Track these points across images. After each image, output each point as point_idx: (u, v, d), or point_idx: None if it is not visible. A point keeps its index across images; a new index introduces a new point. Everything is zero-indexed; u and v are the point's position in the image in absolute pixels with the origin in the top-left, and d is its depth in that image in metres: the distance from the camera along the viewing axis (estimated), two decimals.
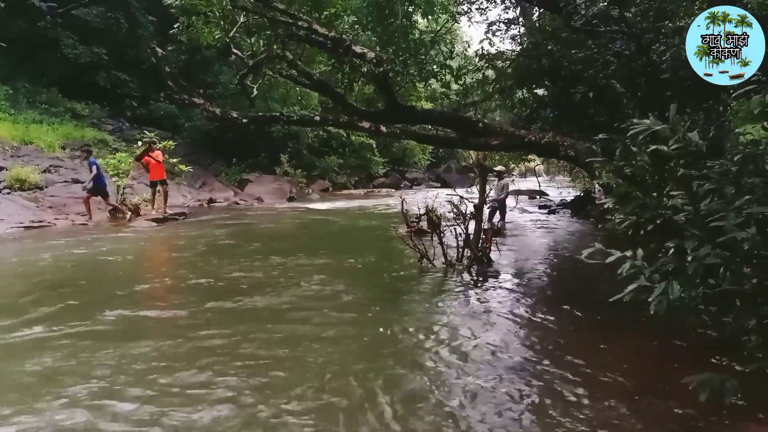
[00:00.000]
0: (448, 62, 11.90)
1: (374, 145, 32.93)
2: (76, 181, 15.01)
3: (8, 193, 13.33)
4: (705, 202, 2.72)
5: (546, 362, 4.11)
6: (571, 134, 8.07)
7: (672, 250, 2.78)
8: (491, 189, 10.38)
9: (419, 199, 9.33)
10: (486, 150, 9.72)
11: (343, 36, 8.54)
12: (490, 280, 7.04)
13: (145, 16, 22.91)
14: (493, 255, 7.92)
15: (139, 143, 15.38)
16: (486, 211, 8.77)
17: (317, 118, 10.04)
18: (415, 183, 35.63)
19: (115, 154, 15.36)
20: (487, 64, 11.25)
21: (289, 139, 26.75)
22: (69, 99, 21.25)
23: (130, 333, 4.88)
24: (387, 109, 8.83)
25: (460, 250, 7.65)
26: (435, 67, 11.65)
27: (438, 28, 14.39)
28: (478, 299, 6.08)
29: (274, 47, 9.19)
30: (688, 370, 3.33)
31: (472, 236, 7.64)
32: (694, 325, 2.90)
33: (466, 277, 7.14)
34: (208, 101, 9.61)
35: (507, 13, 14.02)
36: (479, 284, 6.80)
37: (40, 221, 12.01)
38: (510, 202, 16.35)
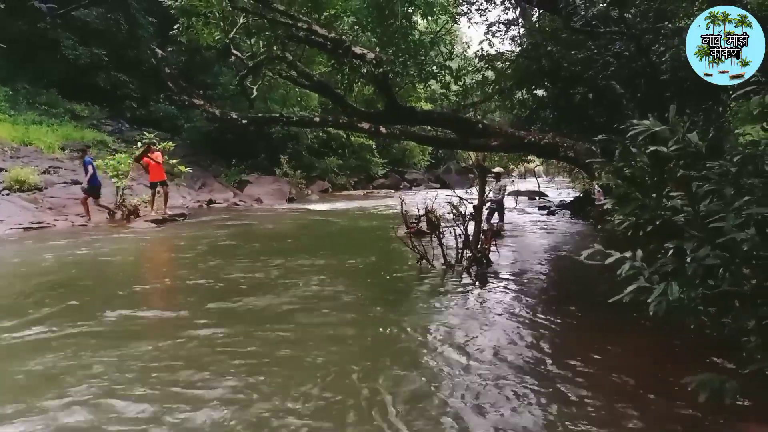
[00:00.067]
0: (447, 63, 11.93)
1: (374, 146, 32.95)
2: (75, 182, 15.02)
3: (8, 194, 13.34)
4: (704, 203, 2.72)
5: (546, 362, 4.11)
6: (570, 135, 8.08)
7: (671, 251, 2.78)
8: (489, 190, 10.38)
9: (419, 200, 9.33)
10: (485, 151, 9.72)
11: (343, 37, 8.55)
12: (490, 280, 7.04)
13: (145, 17, 22.92)
14: (493, 256, 7.92)
15: (139, 144, 15.39)
16: (484, 212, 8.77)
17: (317, 119, 10.03)
18: (414, 184, 35.63)
19: (114, 155, 15.35)
20: (486, 65, 11.28)
21: (288, 140, 26.76)
22: (69, 100, 21.26)
23: (132, 333, 4.88)
24: (387, 110, 8.84)
25: (460, 251, 7.65)
26: (434, 68, 11.67)
27: (438, 29, 14.42)
28: (478, 300, 6.08)
29: (274, 48, 9.20)
30: (687, 370, 3.33)
31: (471, 237, 7.64)
32: (693, 326, 2.89)
33: (466, 277, 7.14)
34: (208, 102, 9.61)
35: (506, 14, 14.06)
36: (479, 285, 6.80)
37: (40, 222, 12.01)
38: (509, 202, 16.36)
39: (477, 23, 43.28)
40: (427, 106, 14.75)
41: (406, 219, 8.69)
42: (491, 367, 4.04)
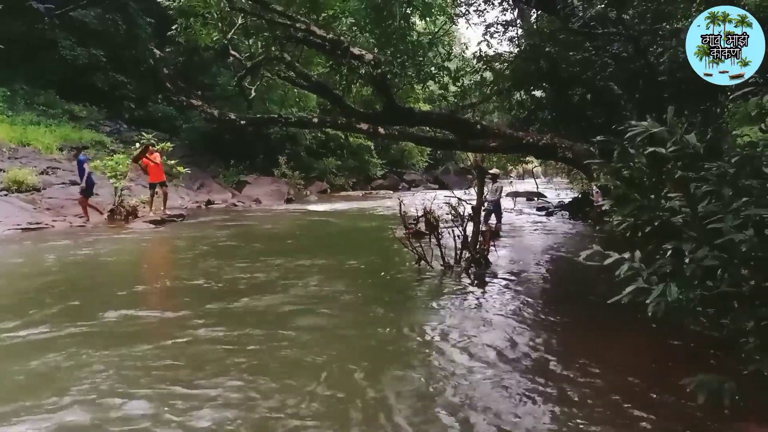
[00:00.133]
0: (446, 64, 11.93)
1: (372, 147, 32.96)
2: (73, 183, 14.98)
3: (5, 195, 13.30)
4: (703, 203, 2.73)
5: (545, 363, 4.11)
6: (568, 136, 8.09)
7: (670, 252, 2.79)
8: (487, 192, 10.39)
9: (417, 201, 9.33)
10: (484, 152, 9.73)
11: (341, 38, 8.55)
12: (489, 281, 7.04)
13: (143, 17, 22.89)
14: (491, 257, 7.92)
15: (137, 144, 15.38)
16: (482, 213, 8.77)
17: (315, 119, 10.03)
18: (413, 185, 35.62)
19: (112, 155, 15.33)
20: (485, 66, 11.28)
21: (287, 141, 26.77)
22: (67, 100, 21.21)
23: (133, 333, 4.88)
24: (385, 111, 8.85)
25: (459, 251, 7.65)
26: (433, 68, 11.67)
27: (436, 30, 14.41)
28: (477, 300, 6.08)
29: (272, 49, 9.20)
30: (686, 371, 3.33)
31: (470, 238, 7.64)
32: (692, 327, 2.90)
33: (465, 278, 7.14)
34: (206, 103, 9.60)
35: (505, 15, 14.13)
36: (478, 286, 6.80)
37: (38, 223, 11.98)
38: (508, 203, 16.37)
39: (475, 24, 43.18)
40: (426, 107, 14.77)
41: (405, 220, 8.69)
42: (491, 367, 4.04)
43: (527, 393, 3.57)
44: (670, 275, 2.70)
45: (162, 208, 14.18)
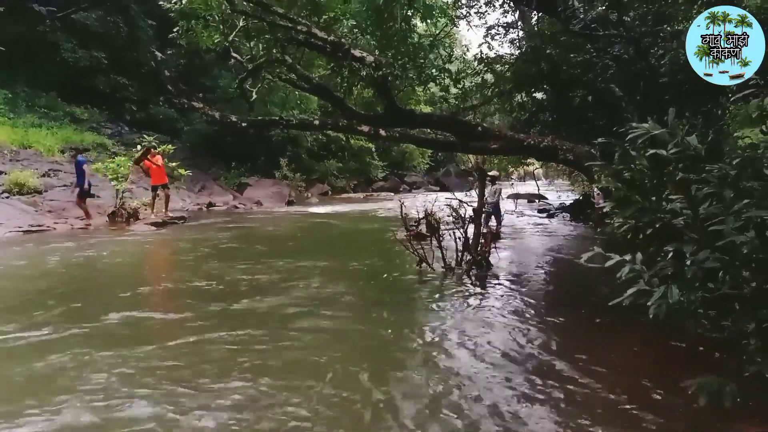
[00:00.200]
0: (447, 66, 11.94)
1: (373, 149, 32.99)
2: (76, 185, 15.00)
3: (7, 198, 13.32)
4: (704, 205, 2.72)
5: (546, 364, 4.11)
6: (570, 138, 8.09)
7: (671, 254, 2.78)
8: (486, 194, 10.38)
9: (418, 203, 9.33)
10: (485, 154, 9.71)
11: (342, 40, 8.56)
12: (490, 283, 7.04)
13: (145, 20, 22.92)
14: (492, 259, 7.92)
15: (138, 147, 15.40)
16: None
17: (316, 122, 10.04)
18: (414, 187, 35.62)
19: (114, 158, 15.34)
20: (486, 68, 11.28)
21: (288, 143, 26.78)
22: (68, 103, 21.23)
23: (136, 335, 4.92)
24: (386, 113, 8.84)
25: (460, 253, 7.65)
26: (434, 70, 11.68)
27: (437, 32, 14.43)
28: (478, 302, 6.08)
29: (274, 51, 9.20)
30: (687, 373, 3.32)
31: (471, 240, 7.63)
32: (693, 329, 2.90)
33: (466, 280, 7.14)
34: (208, 105, 9.60)
35: (506, 17, 14.12)
36: (479, 288, 6.80)
37: (40, 225, 11.99)
38: (509, 205, 16.36)
39: (476, 26, 43.45)
40: (427, 109, 14.77)
41: (406, 222, 8.69)
42: (495, 369, 4.05)
43: (531, 394, 3.58)
44: (672, 277, 2.70)
45: (163, 210, 14.20)
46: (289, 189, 23.96)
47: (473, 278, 7.25)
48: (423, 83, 12.08)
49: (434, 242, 7.89)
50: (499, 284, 6.99)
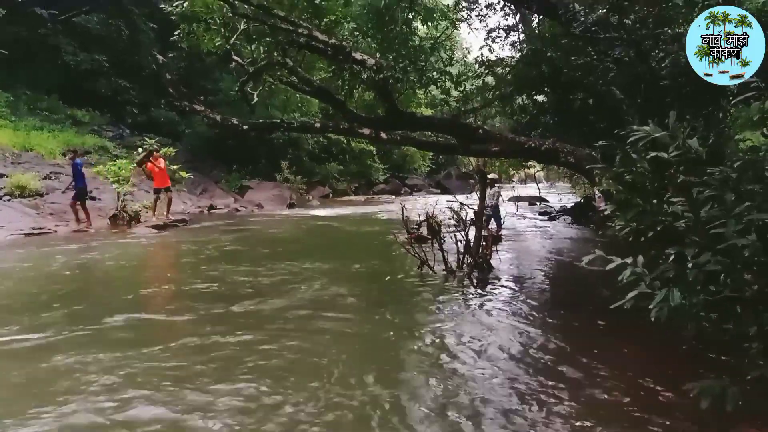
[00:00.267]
0: (447, 69, 11.93)
1: (374, 152, 33.01)
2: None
3: (9, 200, 13.34)
4: (705, 208, 2.72)
5: (548, 368, 4.10)
6: (571, 141, 8.07)
7: (672, 257, 2.78)
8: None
9: (419, 206, 9.33)
10: (486, 156, 9.72)
11: (344, 43, 8.57)
12: (491, 286, 7.04)
13: (146, 23, 23.00)
14: (493, 261, 7.91)
15: (139, 150, 15.43)
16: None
17: (317, 124, 10.04)
18: (415, 189, 35.65)
19: (115, 160, 15.36)
20: (486, 71, 11.26)
21: (289, 146, 26.81)
22: (70, 106, 21.29)
23: (140, 336, 4.95)
24: (387, 116, 8.84)
25: (461, 256, 7.64)
26: (435, 73, 11.68)
27: (438, 34, 14.43)
28: (480, 305, 6.07)
29: (275, 54, 9.22)
30: (689, 375, 3.32)
31: (472, 243, 7.63)
32: (694, 332, 2.89)
33: (467, 283, 7.14)
34: (209, 108, 9.64)
35: (506, 20, 14.05)
36: (480, 290, 6.80)
37: (41, 228, 12.01)
38: (510, 208, 16.35)
39: (477, 29, 43.46)
40: (428, 112, 14.75)
41: (407, 224, 8.69)
42: (498, 370, 4.06)
43: (535, 395, 3.58)
44: (673, 280, 2.69)
45: (165, 212, 14.21)
46: (290, 192, 23.97)
47: (474, 281, 7.24)
48: (424, 86, 12.08)
49: (435, 245, 7.89)
50: (501, 287, 6.99)
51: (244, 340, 4.73)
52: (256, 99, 10.85)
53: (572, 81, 8.55)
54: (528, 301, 6.29)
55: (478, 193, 8.07)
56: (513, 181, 33.21)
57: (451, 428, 3.17)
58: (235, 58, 10.28)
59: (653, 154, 2.73)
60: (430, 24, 14.02)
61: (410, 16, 11.89)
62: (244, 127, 8.77)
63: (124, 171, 14.12)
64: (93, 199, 15.34)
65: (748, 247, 2.51)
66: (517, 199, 22.01)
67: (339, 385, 3.74)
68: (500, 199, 12.76)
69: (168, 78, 10.35)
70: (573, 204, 18.31)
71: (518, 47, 12.68)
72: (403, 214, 8.53)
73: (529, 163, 19.36)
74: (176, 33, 11.06)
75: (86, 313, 5.62)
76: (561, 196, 24.08)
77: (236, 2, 8.88)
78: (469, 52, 25.04)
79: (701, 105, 6.93)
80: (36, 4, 19.11)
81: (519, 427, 3.19)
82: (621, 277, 2.73)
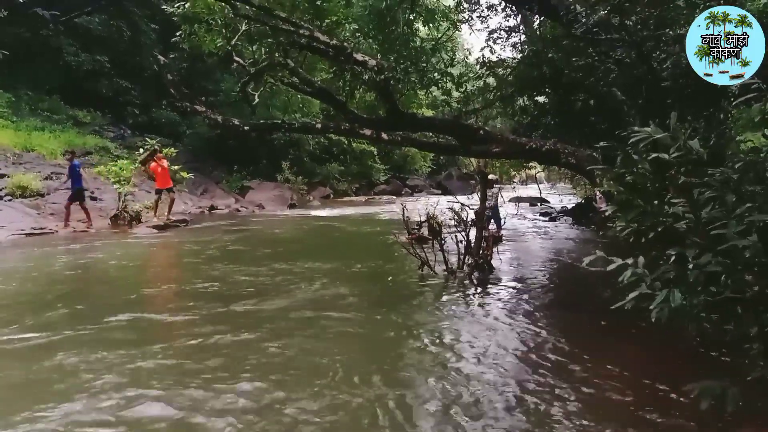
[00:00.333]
0: (449, 70, 11.92)
1: (375, 153, 33.03)
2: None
3: (10, 200, 13.35)
4: (706, 209, 2.72)
5: (549, 369, 4.10)
6: (572, 142, 8.07)
7: (673, 258, 2.78)
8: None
9: (420, 206, 9.33)
10: (487, 157, 9.71)
11: (345, 44, 8.58)
12: (492, 286, 7.04)
13: (148, 24, 23.02)
14: (494, 262, 7.91)
15: (140, 150, 15.45)
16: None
17: (319, 125, 10.04)
18: (416, 190, 35.66)
19: (116, 161, 15.39)
20: (488, 72, 11.26)
21: (290, 147, 26.83)
22: (71, 106, 21.32)
23: (144, 335, 4.97)
24: (388, 117, 8.85)
25: (462, 257, 7.65)
26: (436, 74, 11.67)
27: (439, 35, 14.43)
28: (480, 305, 6.08)
29: (276, 55, 9.22)
30: (689, 376, 3.32)
31: (473, 243, 7.63)
32: (695, 333, 2.89)
33: (468, 283, 7.14)
34: (210, 109, 9.64)
35: (508, 21, 14.10)
36: (481, 291, 6.80)
37: (42, 228, 12.03)
38: (510, 209, 16.34)
39: (478, 30, 43.43)
40: (429, 113, 14.74)
41: (408, 225, 8.69)
42: (499, 371, 4.06)
43: (534, 395, 3.57)
44: (674, 281, 2.70)
45: (166, 213, 14.22)
46: (291, 192, 23.99)
47: (475, 281, 7.25)
48: (425, 87, 12.07)
49: (436, 245, 7.89)
50: (501, 287, 6.99)
51: (247, 339, 4.75)
52: (257, 100, 10.86)
53: (573, 82, 8.55)
54: (529, 301, 6.30)
55: (479, 194, 8.07)
56: (514, 182, 33.20)
57: (456, 427, 3.17)
58: (237, 59, 10.30)
59: (654, 155, 2.73)
60: (431, 25, 14.00)
61: (411, 17, 11.88)
62: (245, 127, 8.77)
63: (125, 171, 14.15)
64: (94, 199, 15.37)
65: (748, 248, 2.51)
66: (517, 199, 21.99)
67: (343, 384, 3.75)
68: (500, 200, 12.74)
69: (169, 79, 10.36)
70: (574, 205, 18.30)
71: (519, 48, 12.72)
72: (403, 215, 8.54)
73: (530, 164, 19.36)
74: (177, 34, 11.08)
75: (89, 313, 5.64)
76: (562, 196, 24.07)
77: (237, 3, 8.90)
78: (470, 53, 25.09)
79: (702, 106, 6.93)
80: (37, 4, 19.13)
81: (519, 427, 3.19)
82: (622, 278, 2.73)
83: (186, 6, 10.19)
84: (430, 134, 10.21)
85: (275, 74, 10.31)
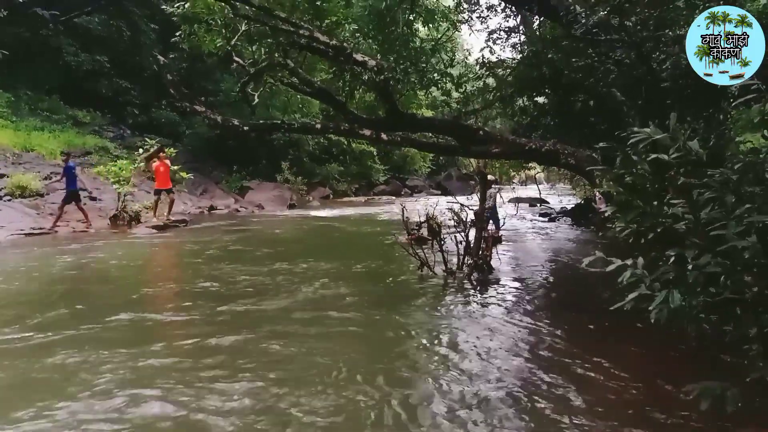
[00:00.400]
0: (448, 70, 11.94)
1: (375, 153, 33.03)
2: (80, 189, 15.00)
3: (9, 200, 13.34)
4: (705, 210, 2.72)
5: (549, 369, 4.10)
6: (571, 142, 8.07)
7: (672, 259, 2.78)
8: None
9: (420, 207, 9.34)
10: (487, 158, 9.72)
11: (345, 44, 8.58)
12: (491, 287, 7.04)
13: (147, 24, 23.01)
14: (494, 262, 7.91)
15: (140, 151, 15.46)
16: None
17: (318, 125, 10.04)
18: (415, 190, 35.68)
19: (116, 161, 15.38)
20: (487, 72, 11.27)
21: (289, 147, 26.83)
22: (70, 106, 21.30)
23: (145, 335, 4.98)
24: (388, 117, 8.85)
25: (461, 257, 7.65)
26: (436, 75, 11.69)
27: (439, 36, 14.45)
28: (480, 306, 6.08)
29: (276, 55, 9.23)
30: (689, 377, 3.32)
31: (472, 244, 7.63)
32: (694, 334, 2.89)
33: (467, 284, 7.14)
34: (210, 109, 9.63)
35: (507, 21, 14.11)
36: (480, 291, 6.80)
37: (41, 228, 12.02)
38: (510, 209, 16.34)
39: (478, 31, 43.57)
40: (429, 113, 14.75)
41: (407, 225, 8.69)
42: (499, 372, 4.06)
43: (531, 399, 3.57)
44: (673, 282, 2.70)
45: (165, 213, 14.21)
46: (290, 192, 23.99)
47: (474, 282, 7.25)
48: (425, 87, 12.09)
49: (435, 246, 7.89)
50: (501, 288, 6.99)
51: (248, 339, 4.76)
52: (256, 100, 10.86)
53: (573, 83, 8.56)
54: (528, 302, 6.30)
55: (479, 194, 8.07)
56: (513, 183, 33.21)
57: (461, 426, 3.18)
58: (236, 59, 10.30)
59: (654, 155, 2.73)
60: (431, 25, 14.02)
61: (411, 17, 11.90)
62: (245, 127, 8.77)
63: (124, 171, 14.14)
64: (93, 199, 15.37)
65: (748, 249, 2.51)
66: (517, 200, 21.98)
67: (345, 384, 3.77)
68: (498, 200, 12.73)
69: (169, 79, 10.35)
70: (573, 205, 18.31)
71: (519, 49, 12.73)
72: (403, 215, 8.54)
73: (530, 164, 19.37)
74: (177, 34, 11.09)
75: (90, 313, 5.64)
76: (561, 197, 24.09)
77: (237, 3, 8.90)
78: (470, 54, 25.08)
79: (702, 107, 6.94)
80: (37, 4, 19.12)
81: (522, 427, 3.20)
82: (621, 279, 2.73)
83: (186, 6, 10.20)
84: (430, 135, 10.21)
85: (275, 74, 10.31)
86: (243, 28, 9.88)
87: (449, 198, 9.27)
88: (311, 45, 8.64)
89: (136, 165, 14.94)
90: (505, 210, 12.89)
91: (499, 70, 11.35)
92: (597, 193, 11.68)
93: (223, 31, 9.98)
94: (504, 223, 10.43)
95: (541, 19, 11.51)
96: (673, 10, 6.63)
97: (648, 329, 3.69)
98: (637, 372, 4.04)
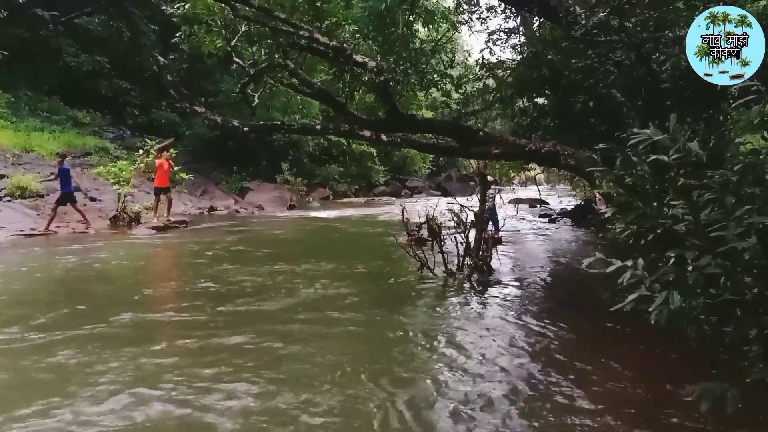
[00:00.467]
0: (448, 71, 11.94)
1: (375, 154, 32.99)
2: (76, 189, 15.00)
3: (9, 201, 13.34)
4: (705, 211, 2.72)
5: (548, 369, 4.11)
6: (571, 143, 8.08)
7: (672, 260, 2.77)
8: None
9: (420, 208, 9.34)
10: (486, 159, 9.72)
11: (344, 45, 8.59)
12: (491, 288, 7.04)
13: (147, 24, 23.00)
14: (494, 263, 7.91)
15: (140, 151, 15.46)
16: None
17: (318, 126, 10.05)
18: (415, 191, 35.65)
19: (116, 162, 15.37)
20: (487, 73, 11.27)
21: (289, 148, 26.81)
22: (70, 107, 21.29)
23: (147, 335, 4.99)
24: (388, 118, 8.85)
25: (461, 258, 7.64)
26: (436, 76, 11.69)
27: (439, 37, 14.45)
28: (480, 306, 6.09)
29: (276, 56, 9.22)
30: (688, 378, 3.32)
31: (472, 245, 7.63)
32: (694, 335, 2.89)
33: (467, 285, 7.14)
34: (210, 110, 9.64)
35: (507, 22, 14.10)
36: (480, 292, 6.80)
37: (41, 229, 12.00)
38: (510, 210, 16.34)
39: (478, 32, 43.56)
40: (428, 114, 14.75)
41: (407, 226, 8.69)
42: (499, 372, 4.07)
43: (531, 400, 3.57)
44: (673, 283, 2.69)
45: (165, 214, 14.21)
46: (290, 193, 23.98)
47: (474, 283, 7.25)
48: (424, 88, 12.09)
49: (435, 247, 7.89)
50: (500, 289, 7.00)
51: (249, 339, 4.77)
52: (256, 101, 10.86)
53: (573, 84, 8.56)
54: (528, 302, 6.31)
55: (479, 195, 8.08)
56: (513, 184, 33.21)
57: (465, 427, 3.19)
58: (236, 59, 10.30)
59: (654, 157, 2.72)
60: (431, 26, 14.02)
61: (411, 18, 11.90)
62: (245, 128, 8.77)
63: (124, 172, 14.14)
64: (93, 200, 15.37)
65: (748, 250, 2.51)
66: (517, 201, 22.00)
67: (348, 384, 3.78)
68: (498, 201, 12.74)
69: (169, 79, 10.37)
70: (573, 206, 18.31)
71: (519, 50, 12.73)
72: (403, 216, 8.54)
73: (530, 165, 19.37)
74: (177, 35, 11.09)
75: (92, 313, 5.65)
76: (561, 198, 24.09)
77: (237, 4, 8.90)
78: (469, 55, 25.04)
79: (702, 108, 6.94)
80: (37, 5, 19.13)
81: (522, 425, 3.21)
82: (621, 280, 2.73)
83: (186, 7, 10.20)
84: (430, 136, 10.21)
85: (275, 75, 10.31)
86: (243, 29, 9.88)
87: (449, 199, 9.28)
88: (311, 46, 8.64)
89: (136, 166, 14.94)
90: (505, 211, 12.93)
91: (499, 71, 11.35)
92: (597, 194, 11.69)
93: (223, 32, 9.98)
94: (504, 224, 10.44)
95: (541, 20, 11.50)
96: (673, 11, 6.63)
97: (648, 330, 3.69)
98: (638, 372, 4.04)
